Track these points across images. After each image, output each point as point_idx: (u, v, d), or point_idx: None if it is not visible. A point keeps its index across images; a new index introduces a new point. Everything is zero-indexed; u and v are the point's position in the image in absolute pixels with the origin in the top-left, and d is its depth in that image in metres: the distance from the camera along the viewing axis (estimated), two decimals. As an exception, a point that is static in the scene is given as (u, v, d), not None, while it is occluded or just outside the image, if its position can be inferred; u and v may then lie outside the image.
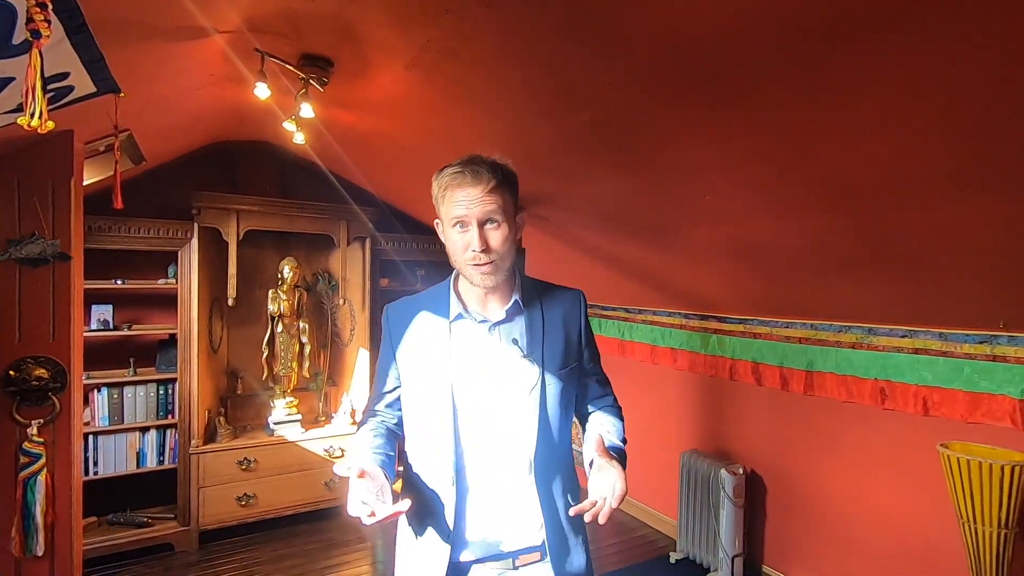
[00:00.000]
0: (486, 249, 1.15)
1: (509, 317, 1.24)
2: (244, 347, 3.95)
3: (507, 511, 1.21)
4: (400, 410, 1.33)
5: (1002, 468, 1.99)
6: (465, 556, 1.21)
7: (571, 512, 1.13)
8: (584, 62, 1.58)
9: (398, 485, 1.23)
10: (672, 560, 3.34)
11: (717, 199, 2.17)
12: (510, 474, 1.21)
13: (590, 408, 1.39)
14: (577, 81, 1.71)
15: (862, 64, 1.25)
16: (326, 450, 3.81)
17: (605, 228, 2.94)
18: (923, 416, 2.36)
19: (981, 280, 1.91)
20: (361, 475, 1.02)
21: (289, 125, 2.31)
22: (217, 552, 3.41)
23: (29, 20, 0.87)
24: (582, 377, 1.34)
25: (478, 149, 2.77)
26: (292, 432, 3.75)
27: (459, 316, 1.24)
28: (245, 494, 3.55)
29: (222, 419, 3.69)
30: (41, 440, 2.00)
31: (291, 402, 3.83)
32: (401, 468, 1.32)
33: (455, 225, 1.16)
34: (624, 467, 1.17)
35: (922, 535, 2.41)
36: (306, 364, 3.91)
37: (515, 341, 1.22)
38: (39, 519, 1.97)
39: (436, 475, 1.22)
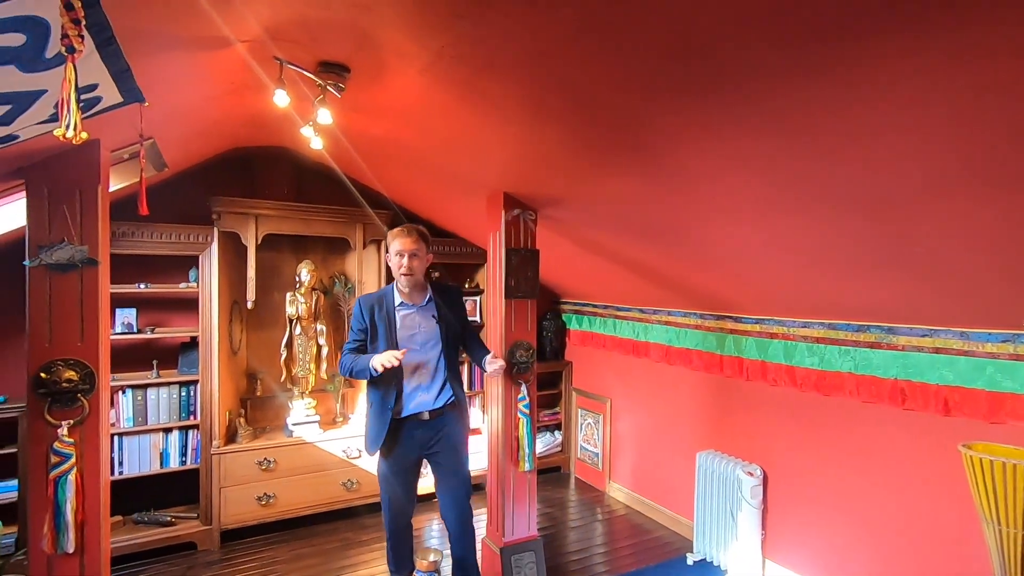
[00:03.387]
0: (410, 269, 2.53)
1: (425, 303, 2.63)
2: (263, 349, 4.02)
3: (426, 395, 2.60)
4: (366, 350, 2.61)
5: (1026, 469, 1.95)
6: (404, 415, 2.58)
7: (488, 360, 2.59)
8: (596, 65, 1.59)
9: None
10: (689, 562, 3.33)
11: (731, 199, 2.17)
12: (428, 376, 2.60)
13: (479, 351, 2.74)
14: (589, 84, 1.72)
15: (875, 63, 1.25)
16: (344, 451, 3.86)
17: (618, 229, 2.94)
18: (944, 416, 2.33)
19: (1002, 278, 1.88)
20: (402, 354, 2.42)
21: (307, 131, 2.35)
22: (238, 551, 3.48)
23: (64, 36, 0.91)
24: (464, 335, 2.74)
25: (490, 152, 2.78)
26: (310, 433, 3.80)
27: (402, 304, 2.62)
28: (265, 494, 3.61)
29: (242, 420, 3.76)
30: (71, 440, 2.06)
31: (310, 403, 3.89)
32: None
33: (396, 255, 2.53)
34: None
35: (945, 536, 2.38)
36: (324, 366, 3.97)
37: (433, 316, 2.61)
38: (69, 517, 2.03)
39: (390, 380, 2.52)
